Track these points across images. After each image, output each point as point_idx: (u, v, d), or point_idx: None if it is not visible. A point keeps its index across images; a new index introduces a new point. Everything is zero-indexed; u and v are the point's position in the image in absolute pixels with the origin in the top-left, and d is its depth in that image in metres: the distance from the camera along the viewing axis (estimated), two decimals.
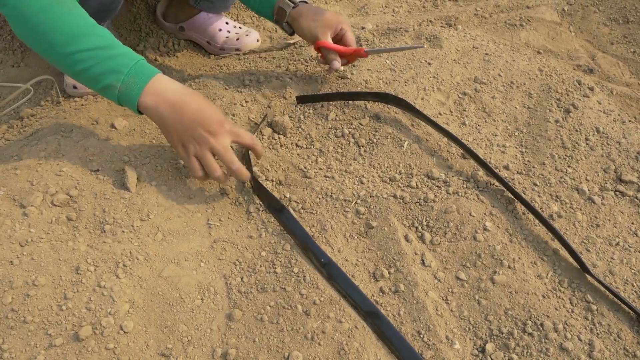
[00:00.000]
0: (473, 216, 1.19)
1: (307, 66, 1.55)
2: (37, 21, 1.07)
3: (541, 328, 1.05)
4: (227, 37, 1.77)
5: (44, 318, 0.98)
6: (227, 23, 1.79)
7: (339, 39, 1.42)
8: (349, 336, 1.02)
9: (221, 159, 1.13)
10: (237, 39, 1.77)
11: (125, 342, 0.97)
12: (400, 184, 1.26)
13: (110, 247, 1.08)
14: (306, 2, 1.42)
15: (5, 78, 1.64)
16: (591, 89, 1.55)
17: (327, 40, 1.37)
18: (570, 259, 1.15)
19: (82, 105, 1.43)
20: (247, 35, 1.78)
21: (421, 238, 1.18)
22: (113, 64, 1.09)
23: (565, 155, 1.36)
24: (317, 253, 1.10)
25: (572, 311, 1.08)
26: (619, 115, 1.49)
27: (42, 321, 0.97)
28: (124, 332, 0.98)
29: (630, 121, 1.48)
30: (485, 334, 1.05)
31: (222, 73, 1.60)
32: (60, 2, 1.09)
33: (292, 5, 1.40)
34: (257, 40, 1.80)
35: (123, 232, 1.11)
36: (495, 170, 1.25)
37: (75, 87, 1.54)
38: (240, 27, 1.81)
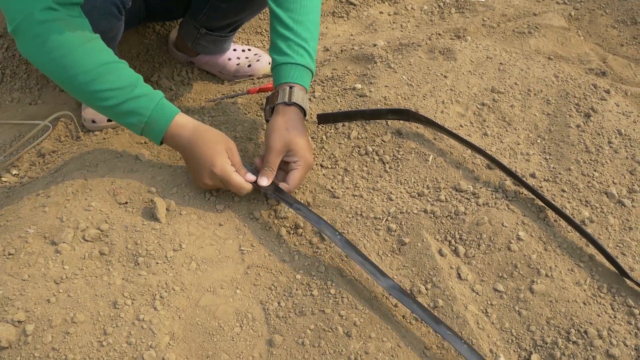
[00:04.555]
0: (505, 226, 1.18)
1: (324, 86, 1.56)
2: (59, 54, 1.11)
3: (585, 336, 1.04)
4: (238, 65, 1.77)
5: (85, 355, 0.97)
6: (234, 50, 1.80)
7: (286, 168, 1.26)
8: (392, 355, 1.01)
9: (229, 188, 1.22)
10: (249, 65, 1.78)
11: None
12: (429, 199, 1.25)
13: (145, 279, 1.07)
14: (302, 109, 1.28)
15: (24, 116, 1.65)
16: (607, 91, 1.55)
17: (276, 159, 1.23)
18: (607, 264, 1.14)
19: (104, 139, 1.43)
20: (258, 60, 1.79)
21: (455, 252, 1.17)
22: (135, 106, 1.16)
23: (590, 159, 1.35)
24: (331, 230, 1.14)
25: (615, 317, 1.07)
26: (638, 116, 1.49)
27: (83, 358, 0.96)
28: None
29: None
30: (529, 345, 1.04)
31: (240, 98, 1.61)
32: (84, 37, 1.13)
33: (286, 102, 1.25)
34: (269, 64, 1.81)
35: (157, 263, 1.10)
36: (523, 179, 1.25)
37: (94, 122, 1.55)
38: (249, 50, 1.82)
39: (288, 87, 1.25)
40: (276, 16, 1.29)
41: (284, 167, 1.26)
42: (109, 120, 1.54)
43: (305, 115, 1.28)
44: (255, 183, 1.22)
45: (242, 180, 1.20)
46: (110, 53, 1.17)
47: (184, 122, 1.20)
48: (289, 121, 1.23)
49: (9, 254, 1.10)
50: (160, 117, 1.18)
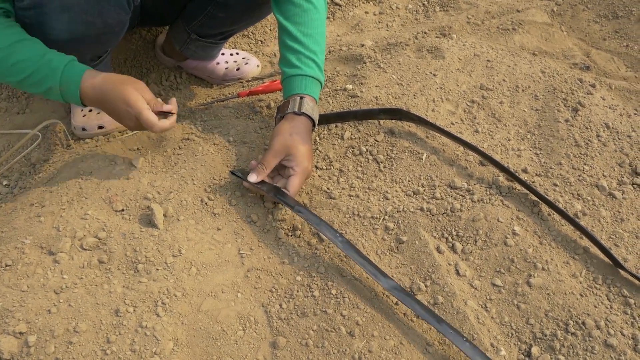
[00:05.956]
0: (501, 222, 1.20)
1: None
2: None
3: (583, 327, 1.06)
4: (226, 69, 1.77)
5: None
6: (222, 54, 1.79)
7: (284, 174, 1.28)
8: (395, 353, 1.02)
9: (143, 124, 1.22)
10: (238, 69, 1.78)
11: None
12: (424, 197, 1.27)
13: (146, 286, 1.07)
14: (312, 121, 1.30)
15: (12, 125, 1.63)
16: (593, 85, 1.58)
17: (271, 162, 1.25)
18: (602, 255, 1.16)
19: (96, 146, 1.42)
20: (246, 63, 1.79)
21: (452, 248, 1.18)
22: (47, 70, 1.17)
23: (580, 153, 1.38)
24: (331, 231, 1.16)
25: (611, 307, 1.09)
26: (624, 109, 1.52)
27: None
28: None
29: (635, 114, 1.51)
30: (529, 338, 1.06)
31: (230, 102, 1.61)
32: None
33: (295, 111, 1.27)
34: (258, 67, 1.81)
35: (157, 270, 1.10)
36: (516, 174, 1.27)
37: (84, 129, 1.54)
38: (237, 54, 1.82)
39: (299, 98, 1.28)
40: (285, 30, 1.32)
41: (283, 173, 1.27)
42: (99, 127, 1.53)
43: (314, 126, 1.30)
44: (251, 183, 1.22)
45: (154, 117, 1.19)
46: (22, 33, 1.17)
47: (94, 74, 1.19)
48: (294, 127, 1.25)
49: (6, 266, 1.09)
50: (71, 74, 1.17)
